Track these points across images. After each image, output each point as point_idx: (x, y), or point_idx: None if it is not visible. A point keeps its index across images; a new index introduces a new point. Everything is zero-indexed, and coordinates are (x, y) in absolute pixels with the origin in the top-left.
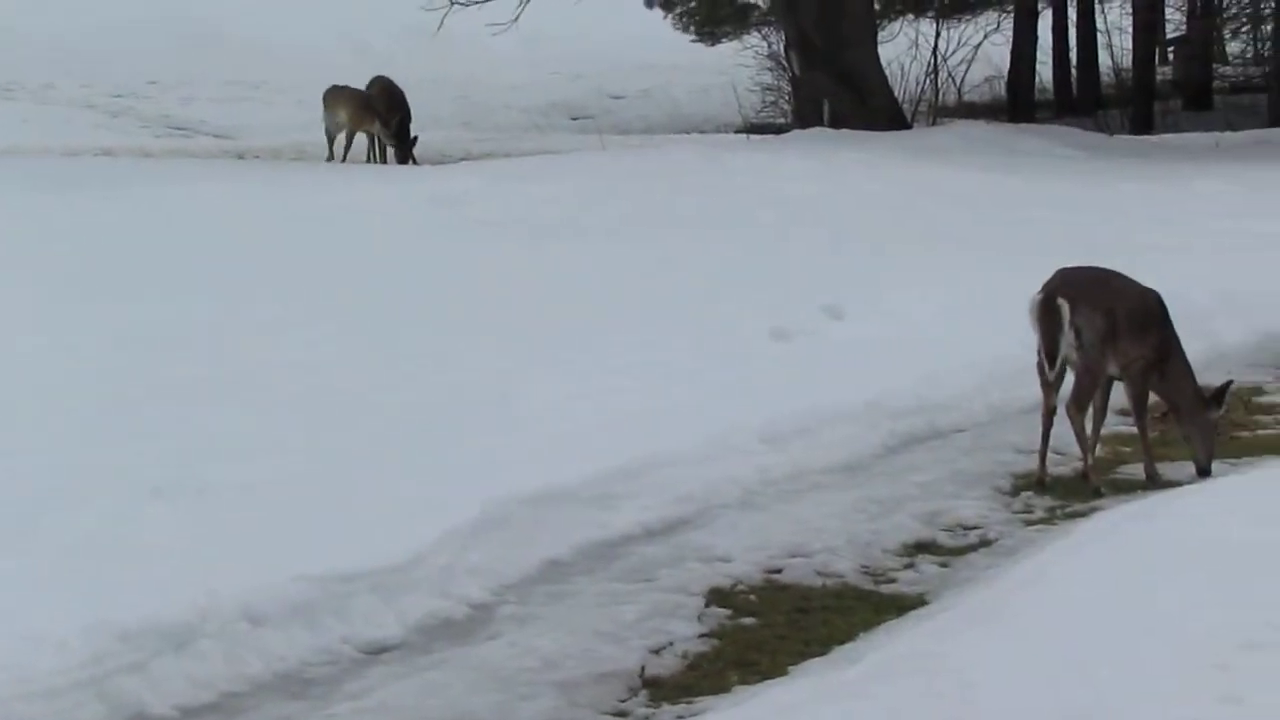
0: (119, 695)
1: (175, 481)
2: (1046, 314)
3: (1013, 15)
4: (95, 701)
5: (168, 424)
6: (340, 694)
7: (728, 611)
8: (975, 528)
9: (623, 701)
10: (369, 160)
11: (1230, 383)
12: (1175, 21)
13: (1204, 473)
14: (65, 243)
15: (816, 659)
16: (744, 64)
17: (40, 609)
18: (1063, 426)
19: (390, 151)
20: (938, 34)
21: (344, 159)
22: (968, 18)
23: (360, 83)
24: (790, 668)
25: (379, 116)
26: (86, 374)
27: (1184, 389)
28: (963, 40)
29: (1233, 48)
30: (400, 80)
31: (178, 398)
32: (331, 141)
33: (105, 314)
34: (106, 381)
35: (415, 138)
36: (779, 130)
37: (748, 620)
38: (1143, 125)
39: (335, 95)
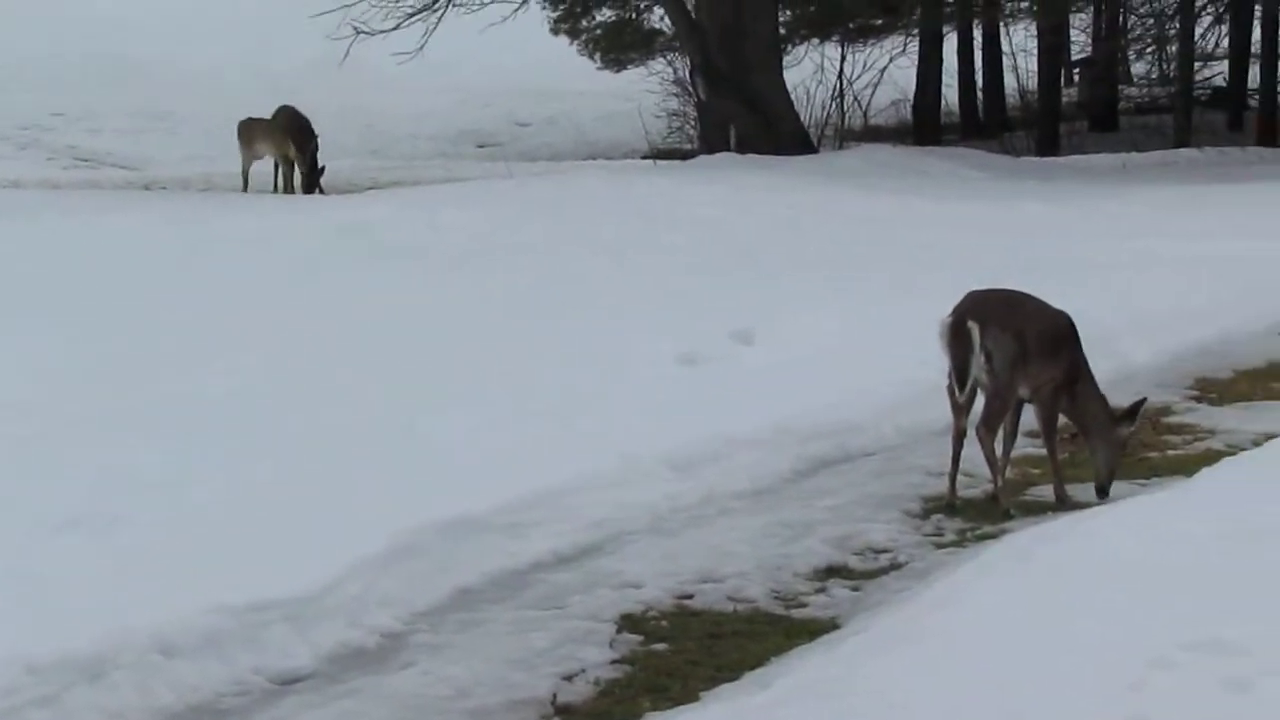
0: None
1: (86, 514)
2: (957, 337)
3: (918, 39)
4: None
5: (78, 456)
6: None
7: (639, 638)
8: (886, 551)
9: None
10: (275, 190)
11: (1144, 400)
12: (1080, 43)
13: (1102, 492)
14: None
15: (728, 684)
16: (650, 90)
17: None
18: (973, 449)
19: (298, 180)
20: (843, 58)
21: (286, 189)
22: (873, 41)
23: (266, 113)
24: (702, 693)
25: (294, 140)
26: None
27: (1093, 410)
28: (868, 64)
29: (1138, 69)
30: (307, 110)
31: (88, 430)
32: (247, 174)
33: (14, 346)
34: (16, 414)
35: (323, 167)
36: (685, 156)
37: (659, 646)
38: (1048, 147)
39: (250, 128)
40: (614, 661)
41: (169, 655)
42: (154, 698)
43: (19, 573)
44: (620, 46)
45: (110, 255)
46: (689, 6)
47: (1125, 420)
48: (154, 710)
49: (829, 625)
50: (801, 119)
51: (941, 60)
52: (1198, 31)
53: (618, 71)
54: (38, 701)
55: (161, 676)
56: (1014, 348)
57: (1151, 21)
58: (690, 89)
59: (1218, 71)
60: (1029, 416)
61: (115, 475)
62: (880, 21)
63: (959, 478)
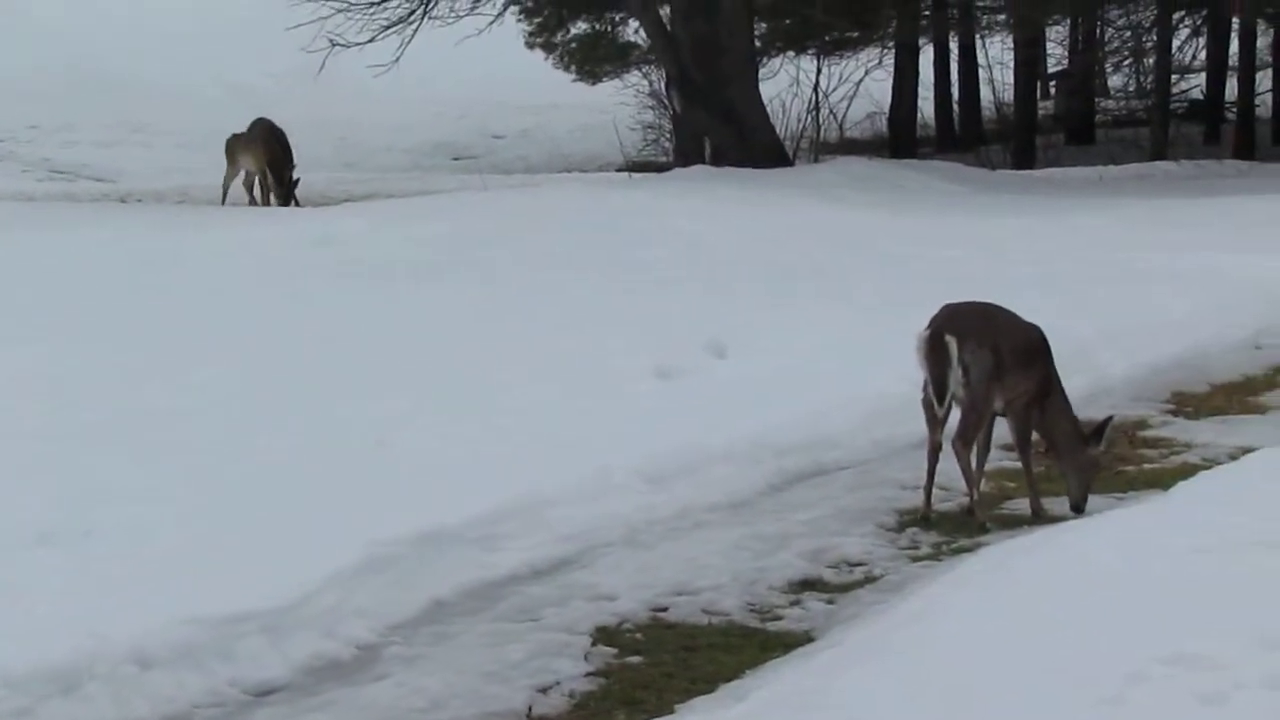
0: None
1: (61, 525)
2: (934, 351)
3: (894, 51)
4: None
5: (52, 468)
6: None
7: (614, 650)
8: (861, 564)
9: None
10: (251, 202)
11: (1110, 418)
12: (1057, 56)
13: (1078, 510)
14: None
15: (703, 697)
16: (625, 102)
17: None
18: (948, 462)
19: (272, 193)
20: (819, 70)
21: (264, 201)
22: (849, 54)
23: (242, 126)
24: (677, 706)
25: (269, 153)
26: None
27: (1062, 426)
28: (844, 76)
29: (1114, 81)
30: (282, 122)
31: (61, 442)
32: (227, 188)
33: None
34: None
35: (297, 179)
36: (661, 168)
37: (634, 659)
38: (1025, 160)
39: (234, 143)
40: (589, 674)
41: (144, 666)
42: (129, 709)
43: None
44: (595, 59)
45: (82, 268)
46: (664, 20)
47: (1093, 440)
48: None
49: (804, 638)
50: (777, 132)
51: (917, 73)
52: (1175, 44)
53: (593, 84)
54: (13, 713)
55: (136, 688)
56: (990, 361)
57: (1129, 34)
58: (665, 102)
59: (1195, 84)
60: (1002, 430)
61: (88, 487)
62: (856, 34)
63: (934, 491)
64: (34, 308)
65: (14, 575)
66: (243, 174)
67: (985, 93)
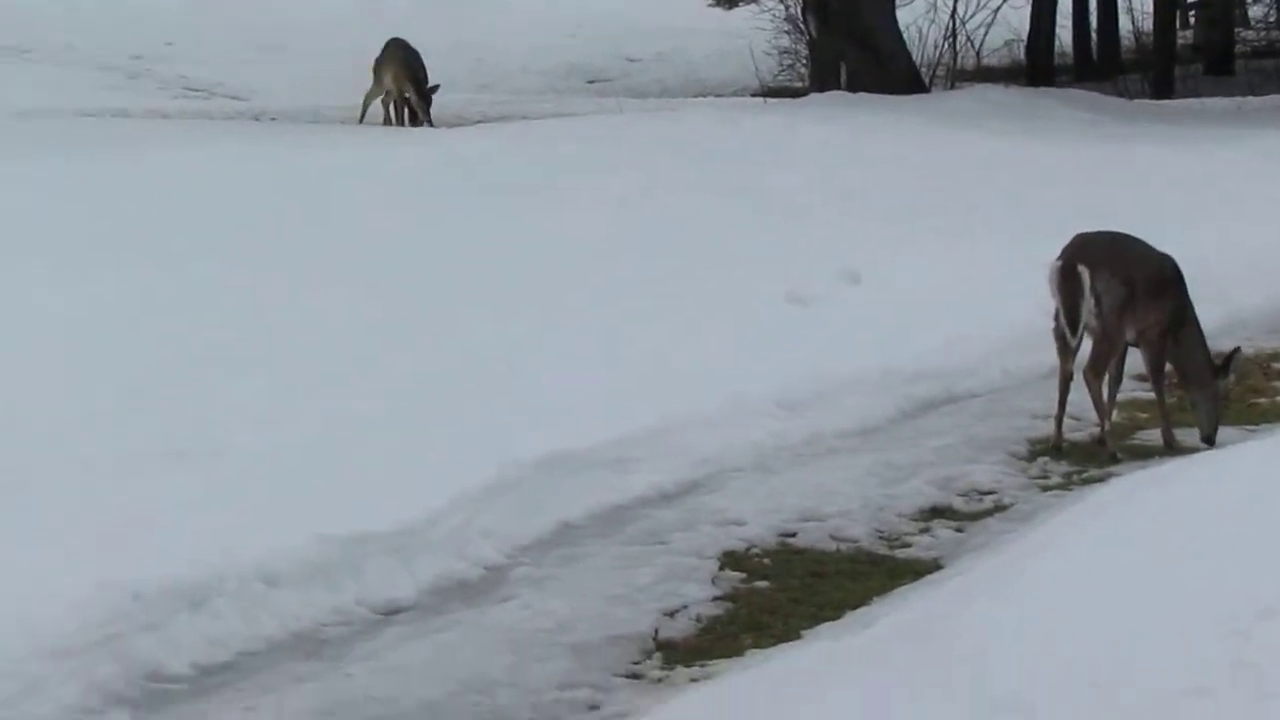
0: (134, 654)
1: (191, 444)
2: (1067, 281)
3: None
4: (110, 661)
5: (183, 387)
6: (354, 654)
7: (741, 575)
8: (991, 493)
9: (636, 664)
10: (386, 123)
11: (1238, 350)
12: None
13: (1209, 442)
14: (81, 205)
15: (829, 623)
16: (761, 27)
17: (55, 568)
18: (1079, 392)
19: (407, 113)
20: None
21: (398, 121)
22: None
23: (376, 46)
24: (803, 631)
25: (408, 74)
26: (103, 337)
27: (1195, 357)
28: (982, 3)
29: (1255, 11)
30: (417, 44)
31: (193, 361)
32: (367, 106)
33: (121, 278)
34: (123, 344)
35: (436, 86)
36: (796, 94)
37: (761, 584)
38: (1163, 90)
39: (379, 62)
40: (716, 598)
41: (272, 584)
42: (257, 626)
43: (124, 502)
44: None
45: (213, 188)
46: None
47: (1221, 372)
48: (257, 638)
49: (932, 566)
50: (913, 58)
51: (1055, 1)
52: None
53: (729, 9)
54: (143, 628)
55: (264, 605)
56: (1123, 291)
57: None
58: (802, 26)
59: None
60: (1134, 360)
61: (219, 406)
62: None
63: (1066, 421)
64: (163, 228)
65: (145, 492)
66: (384, 92)
67: (1124, 22)
